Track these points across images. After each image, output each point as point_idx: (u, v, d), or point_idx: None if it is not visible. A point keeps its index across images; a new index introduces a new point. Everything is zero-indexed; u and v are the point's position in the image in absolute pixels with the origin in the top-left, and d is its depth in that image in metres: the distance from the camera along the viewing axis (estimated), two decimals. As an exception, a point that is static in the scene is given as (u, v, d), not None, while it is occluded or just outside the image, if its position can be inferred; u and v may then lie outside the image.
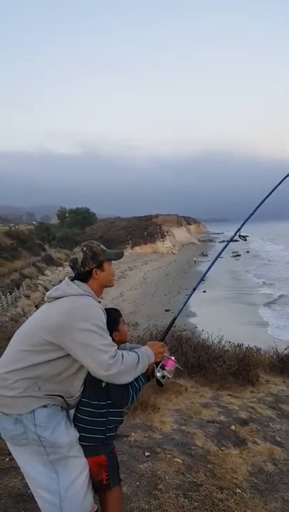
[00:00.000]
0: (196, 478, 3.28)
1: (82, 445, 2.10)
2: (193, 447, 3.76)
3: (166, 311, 31.45)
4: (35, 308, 31.64)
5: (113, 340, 2.13)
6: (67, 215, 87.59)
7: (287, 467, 3.78)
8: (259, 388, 5.92)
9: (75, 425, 2.14)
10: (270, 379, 6.67)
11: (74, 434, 2.09)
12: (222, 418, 4.51)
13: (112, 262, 2.29)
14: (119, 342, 2.26)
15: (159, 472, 3.22)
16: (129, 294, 41.26)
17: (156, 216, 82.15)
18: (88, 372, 2.05)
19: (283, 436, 4.43)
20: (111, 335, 2.15)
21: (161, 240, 73.07)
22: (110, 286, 2.28)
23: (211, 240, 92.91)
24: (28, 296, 34.89)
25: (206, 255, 69.38)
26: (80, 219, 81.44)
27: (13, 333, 2.25)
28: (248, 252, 71.91)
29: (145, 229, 74.77)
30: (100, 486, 2.16)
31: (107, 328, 2.11)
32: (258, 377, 6.18)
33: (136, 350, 2.15)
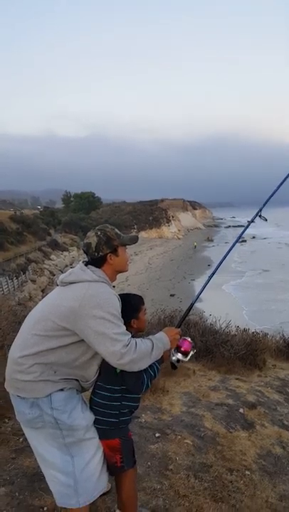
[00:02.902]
0: (206, 459, 3.33)
1: (97, 428, 2.13)
2: (202, 429, 3.80)
3: (171, 295, 31.55)
4: (41, 293, 31.84)
5: (131, 327, 2.13)
6: (72, 199, 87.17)
7: (296, 450, 3.82)
8: (266, 372, 5.94)
9: (91, 408, 2.17)
10: (277, 364, 6.68)
11: (90, 416, 2.12)
12: (230, 401, 4.54)
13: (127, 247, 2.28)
14: (137, 330, 2.25)
15: (170, 453, 3.26)
16: (134, 278, 41.33)
17: (162, 201, 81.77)
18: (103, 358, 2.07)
19: (291, 419, 4.46)
20: (130, 322, 2.15)
21: (167, 224, 72.85)
22: (125, 271, 2.26)
23: (216, 225, 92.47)
24: (34, 281, 35.08)
25: (212, 240, 69.21)
26: (86, 203, 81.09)
27: (24, 317, 2.24)
28: (254, 237, 71.60)
29: (151, 214, 74.51)
30: (115, 469, 2.19)
31: (128, 314, 2.11)
32: (264, 362, 6.19)
33: (150, 337, 2.14)
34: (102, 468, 2.13)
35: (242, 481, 3.15)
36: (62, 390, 2.03)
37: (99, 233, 2.15)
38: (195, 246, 61.73)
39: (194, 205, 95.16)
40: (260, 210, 2.82)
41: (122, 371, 2.08)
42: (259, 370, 5.90)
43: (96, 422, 2.14)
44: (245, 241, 66.93)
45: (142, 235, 69.12)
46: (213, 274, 2.67)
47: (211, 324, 6.88)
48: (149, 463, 3.08)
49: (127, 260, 2.24)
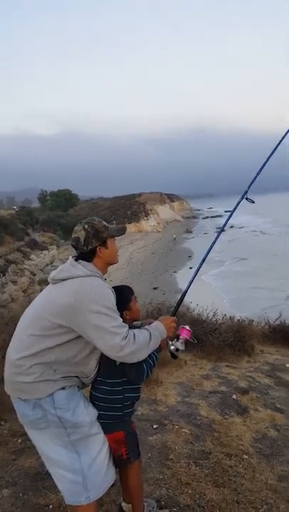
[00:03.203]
0: (204, 446, 3.37)
1: (100, 423, 2.13)
2: (198, 417, 3.85)
3: (154, 288, 31.61)
4: (23, 294, 31.44)
5: (124, 319, 2.13)
6: (48, 197, 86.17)
7: (290, 432, 3.90)
8: (255, 358, 6.05)
9: (93, 403, 2.16)
10: (264, 349, 6.81)
11: (93, 412, 2.11)
12: (223, 388, 4.61)
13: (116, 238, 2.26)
14: (131, 320, 2.26)
15: (169, 443, 3.30)
16: (116, 274, 41.17)
17: (140, 195, 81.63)
18: (102, 352, 2.06)
19: (283, 402, 4.55)
20: (122, 314, 2.15)
21: (146, 218, 72.86)
22: (115, 263, 2.24)
23: (194, 217, 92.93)
24: (14, 282, 34.61)
25: (191, 232, 69.54)
26: (62, 201, 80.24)
27: (12, 318, 2.22)
28: (232, 226, 72.19)
29: (129, 208, 74.34)
30: (120, 461, 2.20)
31: (119, 307, 2.09)
32: (253, 348, 6.31)
33: (147, 327, 2.14)
34: (108, 462, 2.14)
35: (241, 465, 3.20)
36: (63, 388, 2.01)
37: (86, 227, 2.12)
38: (174, 238, 61.97)
39: (172, 198, 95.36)
40: (246, 193, 2.83)
41: (121, 363, 2.08)
42: (248, 356, 6.01)
43: (100, 417, 2.14)
44: (224, 230, 67.36)
45: (121, 230, 68.85)
46: (203, 261, 2.68)
47: (197, 314, 6.95)
48: (149, 454, 3.10)
49: (116, 252, 2.23)
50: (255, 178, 2.89)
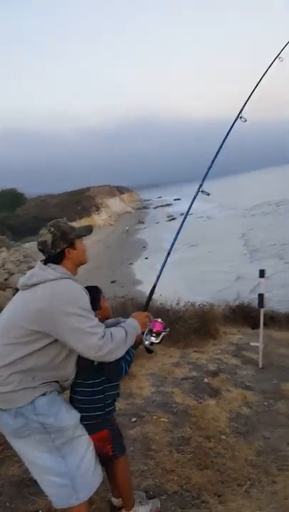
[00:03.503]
0: (184, 432, 3.45)
1: (84, 424, 2.13)
2: (174, 405, 3.92)
3: (112, 282, 31.53)
4: (-24, 300, 30.36)
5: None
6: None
7: (261, 408, 4.07)
8: (220, 340, 6.22)
9: (74, 406, 2.16)
10: (227, 330, 7.01)
11: (76, 414, 2.11)
12: (194, 373, 4.72)
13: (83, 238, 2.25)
14: (103, 319, 2.26)
15: (149, 434, 3.34)
16: (72, 271, 40.64)
17: (88, 189, 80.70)
18: (79, 354, 2.05)
19: (251, 380, 4.73)
20: (94, 314, 2.15)
21: (97, 212, 72.21)
22: (84, 263, 2.23)
23: (145, 207, 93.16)
24: None
25: (143, 222, 69.76)
26: (8, 201, 77.71)
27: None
28: (182, 214, 73.21)
29: (79, 203, 73.30)
30: (107, 458, 2.22)
31: (91, 308, 2.10)
32: (217, 331, 6.47)
33: (122, 324, 2.16)
34: (95, 461, 2.15)
35: (220, 446, 3.31)
36: (44, 394, 1.99)
37: (52, 229, 2.09)
38: (127, 230, 61.94)
39: (121, 190, 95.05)
40: (201, 186, 2.89)
41: (100, 362, 2.08)
42: (213, 339, 6.17)
43: (82, 419, 2.13)
44: (174, 218, 68.24)
45: (73, 226, 67.96)
46: (168, 253, 2.72)
47: (160, 304, 7.03)
48: (131, 447, 3.13)
49: (85, 251, 2.22)
50: (208, 171, 2.96)
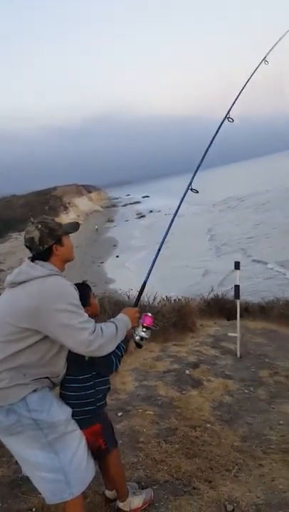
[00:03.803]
0: (170, 423, 3.51)
1: (76, 419, 2.14)
2: (158, 398, 3.97)
3: (84, 281, 31.40)
4: None
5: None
6: None
7: (242, 395, 4.18)
8: (198, 333, 6.33)
9: (65, 402, 2.16)
10: (203, 323, 7.14)
11: (67, 410, 2.12)
12: (175, 366, 4.79)
13: (69, 235, 2.25)
14: (92, 316, 2.27)
15: (136, 427, 3.38)
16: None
17: (55, 188, 79.70)
18: (69, 350, 2.05)
19: (230, 369, 4.85)
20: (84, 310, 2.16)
21: (65, 212, 71.42)
22: (72, 259, 2.23)
23: (114, 205, 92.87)
24: None
25: (112, 221, 69.58)
26: (-28, 203, 75.83)
27: None
28: (151, 211, 73.51)
29: (46, 203, 72.37)
30: (100, 452, 2.24)
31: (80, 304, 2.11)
32: (194, 324, 6.59)
33: (112, 319, 2.17)
34: (88, 456, 2.16)
35: (206, 434, 3.38)
36: (35, 390, 1.99)
37: (40, 226, 2.09)
38: (97, 229, 61.60)
39: (88, 189, 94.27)
40: (190, 184, 2.94)
41: (91, 357, 2.09)
42: (191, 332, 6.28)
43: (74, 414, 2.14)
44: (143, 216, 68.46)
45: (41, 226, 67.02)
46: (159, 250, 2.76)
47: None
48: (120, 441, 3.14)
49: (72, 248, 2.22)
50: (197, 170, 3.02)
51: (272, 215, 41.77)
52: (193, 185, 2.91)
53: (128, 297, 7.05)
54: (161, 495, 2.57)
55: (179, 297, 7.96)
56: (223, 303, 8.15)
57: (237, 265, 5.33)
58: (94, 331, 1.97)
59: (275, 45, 3.52)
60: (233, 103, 3.23)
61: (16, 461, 2.90)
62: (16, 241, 59.57)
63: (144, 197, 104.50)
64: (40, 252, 2.08)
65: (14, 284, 2.02)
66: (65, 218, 70.03)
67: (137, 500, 2.41)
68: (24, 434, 1.98)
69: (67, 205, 73.81)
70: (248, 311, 7.83)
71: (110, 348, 2.07)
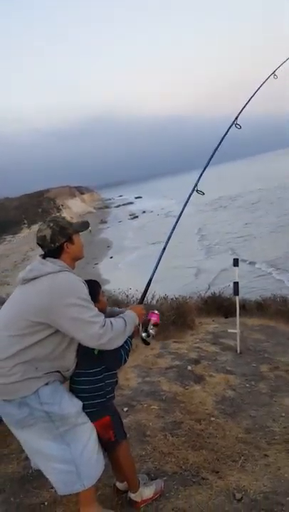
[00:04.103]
0: (175, 417, 3.56)
1: (86, 412, 2.19)
2: (162, 393, 4.03)
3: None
4: None
5: None
6: None
7: (244, 390, 4.25)
8: (197, 330, 6.39)
9: (76, 396, 2.20)
10: (202, 320, 7.21)
11: (78, 402, 2.17)
12: (177, 362, 4.85)
13: (80, 233, 2.30)
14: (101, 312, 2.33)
15: (142, 421, 3.43)
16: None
17: (48, 190, 79.59)
18: (79, 344, 2.11)
19: (231, 365, 4.92)
20: None
21: (58, 214, 71.42)
22: (82, 257, 2.28)
23: (107, 206, 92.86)
24: None
25: (106, 222, 69.57)
26: None
27: None
28: (144, 212, 73.62)
29: (39, 206, 72.28)
30: (110, 444, 2.30)
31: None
32: (193, 321, 6.65)
33: (121, 315, 2.23)
34: (98, 448, 2.21)
35: (211, 427, 3.44)
36: (47, 384, 2.04)
37: (52, 224, 2.15)
38: (90, 230, 61.57)
39: (81, 190, 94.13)
40: (196, 185, 3.01)
41: (100, 351, 2.14)
42: (191, 329, 6.34)
43: (85, 407, 2.19)
44: (136, 217, 68.57)
45: (34, 228, 66.89)
46: (164, 249, 2.82)
47: (136, 299, 7.11)
48: (128, 435, 3.19)
49: (82, 246, 2.28)
50: (202, 172, 3.08)
51: (261, 214, 42.16)
52: (199, 187, 2.97)
53: (127, 296, 7.08)
54: (171, 485, 2.62)
55: (176, 296, 8.04)
56: (221, 301, 8.24)
57: (236, 262, 5.40)
58: (104, 325, 2.03)
59: (285, 61, 3.61)
60: (241, 111, 3.31)
61: (26, 457, 2.96)
62: (10, 244, 59.41)
63: (136, 198, 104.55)
64: (52, 250, 2.14)
65: (26, 281, 2.08)
66: (58, 220, 69.84)
67: (148, 491, 2.46)
68: (36, 427, 2.04)
69: (60, 207, 73.76)
70: (245, 308, 7.90)
71: (119, 342, 2.12)
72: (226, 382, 4.38)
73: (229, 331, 5.65)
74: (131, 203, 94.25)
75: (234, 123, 3.27)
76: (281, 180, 62.62)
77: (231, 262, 5.47)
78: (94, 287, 2.30)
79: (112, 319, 2.12)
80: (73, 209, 76.61)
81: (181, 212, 2.95)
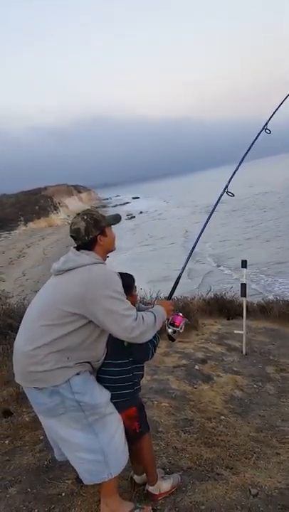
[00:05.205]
0: (186, 415, 3.60)
1: (114, 402, 2.22)
2: (171, 391, 4.06)
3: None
4: None
5: None
6: None
7: (252, 390, 4.30)
8: (202, 331, 6.43)
9: (103, 386, 2.23)
10: (204, 321, 7.23)
11: (107, 392, 2.20)
12: (184, 361, 4.88)
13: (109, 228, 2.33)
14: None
15: (154, 417, 3.45)
16: (32, 271, 39.89)
17: (46, 188, 79.34)
18: (110, 335, 2.14)
19: (238, 365, 4.96)
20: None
21: (55, 212, 71.24)
22: (113, 250, 2.31)
23: (104, 206, 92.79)
24: None
25: (102, 221, 69.42)
26: None
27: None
28: (141, 212, 73.70)
29: (36, 203, 72.03)
30: (134, 435, 2.33)
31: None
32: (197, 322, 6.68)
33: (150, 309, 2.27)
34: (124, 439, 2.24)
35: (222, 425, 3.48)
36: (78, 374, 2.07)
37: (86, 217, 2.19)
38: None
39: (79, 189, 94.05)
40: (226, 187, 3.06)
41: (129, 344, 2.18)
42: (196, 330, 6.37)
43: (113, 397, 2.22)
44: (134, 217, 68.56)
45: (31, 226, 66.72)
46: (193, 247, 2.87)
47: (143, 298, 7.16)
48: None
49: (114, 239, 2.31)
50: (233, 175, 3.14)
51: (247, 218, 42.59)
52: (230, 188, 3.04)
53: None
54: (186, 480, 2.65)
55: (179, 296, 8.08)
56: (223, 302, 8.26)
57: (244, 264, 5.45)
58: (136, 319, 2.07)
59: None
60: (271, 116, 3.38)
61: (40, 449, 2.99)
62: (6, 240, 59.15)
63: (134, 198, 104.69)
64: (86, 242, 2.17)
65: (61, 272, 2.11)
66: (55, 218, 69.80)
67: (165, 485, 2.49)
68: (66, 416, 2.06)
69: (58, 205, 73.62)
70: (248, 310, 7.94)
71: (149, 336, 2.15)
72: (233, 383, 4.43)
73: (235, 332, 5.69)
74: (128, 203, 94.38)
75: (264, 128, 3.33)
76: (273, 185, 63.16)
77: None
78: (129, 281, 2.34)
79: (143, 313, 2.16)
80: (70, 207, 76.47)
81: (210, 214, 3.00)
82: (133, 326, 2.04)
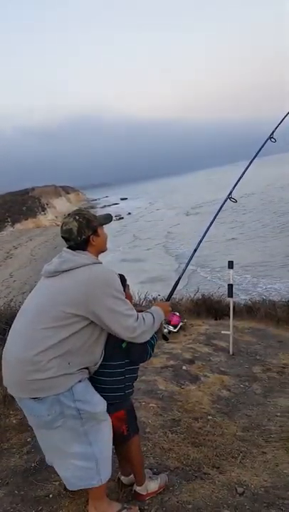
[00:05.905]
0: (173, 415, 3.62)
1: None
2: (159, 391, 4.08)
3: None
4: None
5: None
6: None
7: (239, 390, 4.34)
8: (190, 331, 6.46)
9: (96, 388, 2.18)
10: (192, 322, 7.27)
11: (104, 400, 2.17)
12: (172, 362, 4.91)
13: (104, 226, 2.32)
14: None
15: (142, 418, 3.46)
16: (19, 273, 39.63)
17: (33, 189, 78.89)
18: (108, 337, 2.14)
19: (225, 366, 5.00)
20: None
21: (43, 213, 70.83)
22: (105, 250, 2.30)
23: (92, 207, 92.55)
24: None
25: (91, 222, 69.24)
26: None
27: None
28: (129, 213, 73.71)
29: (23, 204, 71.51)
30: (121, 438, 2.33)
31: None
32: (185, 322, 6.71)
33: (149, 310, 2.27)
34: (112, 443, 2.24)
35: (208, 425, 3.51)
36: (80, 381, 2.04)
37: (78, 217, 2.16)
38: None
39: (67, 190, 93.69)
40: (231, 193, 3.09)
41: (127, 345, 2.18)
42: (183, 330, 6.39)
43: (105, 399, 2.21)
44: (122, 218, 68.55)
45: (18, 227, 66.27)
46: (195, 250, 2.89)
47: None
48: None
49: (106, 238, 2.30)
50: (238, 182, 3.17)
51: (231, 219, 43.03)
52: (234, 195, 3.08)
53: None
54: (174, 480, 2.67)
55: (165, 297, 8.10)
56: (210, 303, 8.32)
57: (230, 264, 5.49)
58: (137, 319, 2.07)
59: None
60: (278, 125, 3.42)
61: (27, 451, 2.99)
62: (-7, 241, 58.60)
63: (122, 199, 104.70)
64: (79, 243, 2.15)
65: (57, 273, 2.07)
66: (43, 219, 69.41)
67: (153, 484, 2.51)
68: (63, 427, 2.02)
69: (46, 205, 73.20)
70: (235, 310, 8.01)
71: (148, 336, 2.16)
72: (220, 383, 4.46)
73: (222, 332, 5.74)
74: (116, 203, 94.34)
75: (270, 137, 3.38)
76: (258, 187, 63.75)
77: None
78: (122, 282, 2.34)
79: (142, 314, 2.16)
80: (58, 208, 76.09)
81: (214, 219, 3.03)
82: (135, 325, 2.05)
